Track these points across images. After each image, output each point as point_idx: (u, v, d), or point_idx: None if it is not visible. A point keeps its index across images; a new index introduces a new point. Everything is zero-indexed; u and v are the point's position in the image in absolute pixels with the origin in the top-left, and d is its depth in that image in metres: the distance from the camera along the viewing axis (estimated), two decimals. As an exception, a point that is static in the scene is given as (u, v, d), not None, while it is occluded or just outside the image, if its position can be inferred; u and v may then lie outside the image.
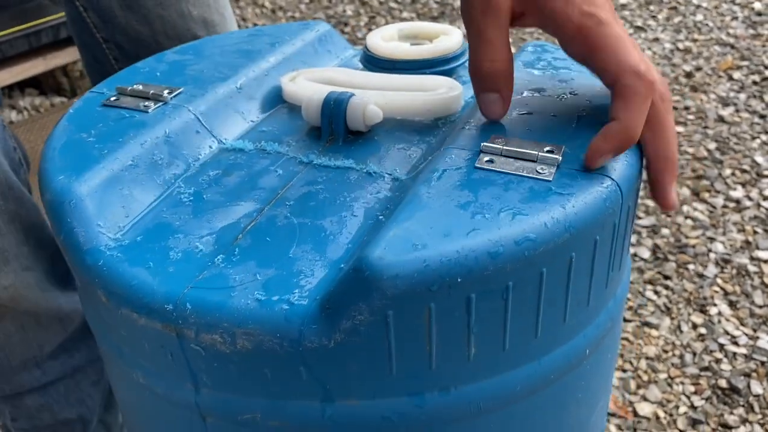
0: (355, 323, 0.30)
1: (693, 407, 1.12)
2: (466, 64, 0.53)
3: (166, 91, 0.46)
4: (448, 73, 0.51)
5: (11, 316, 0.62)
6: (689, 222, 1.46)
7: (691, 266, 1.40)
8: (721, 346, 1.22)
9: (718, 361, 1.19)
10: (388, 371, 0.32)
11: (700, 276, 1.38)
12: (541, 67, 0.47)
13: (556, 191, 0.34)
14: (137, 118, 0.43)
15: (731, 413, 1.11)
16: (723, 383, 1.15)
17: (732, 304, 1.31)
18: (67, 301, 0.66)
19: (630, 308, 1.32)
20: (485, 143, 0.37)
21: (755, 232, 1.42)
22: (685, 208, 1.50)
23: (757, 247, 1.40)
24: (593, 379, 0.40)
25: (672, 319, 1.29)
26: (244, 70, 0.49)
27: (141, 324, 0.34)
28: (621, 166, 0.36)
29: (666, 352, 1.22)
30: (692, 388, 1.15)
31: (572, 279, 0.34)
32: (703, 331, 1.26)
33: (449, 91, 0.45)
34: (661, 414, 1.11)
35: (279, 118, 0.47)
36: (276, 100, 0.49)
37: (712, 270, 1.38)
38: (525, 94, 0.43)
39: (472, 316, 0.31)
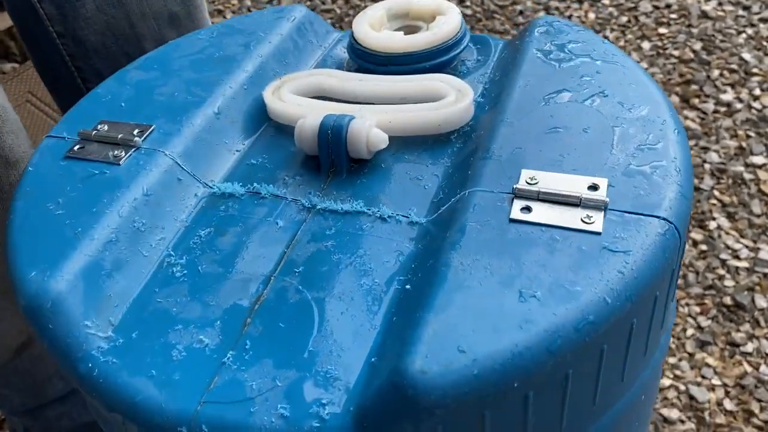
0: (400, 441, 0.27)
1: (700, 328, 1.13)
2: (469, 49, 0.47)
3: (135, 131, 0.39)
4: (449, 63, 0.45)
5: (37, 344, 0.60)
6: (683, 134, 1.42)
7: (688, 181, 1.37)
8: (723, 262, 1.22)
9: (721, 278, 1.19)
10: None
11: (697, 189, 1.36)
12: (558, 57, 0.41)
13: (609, 248, 0.29)
14: (108, 174, 0.37)
15: (738, 330, 1.11)
16: (728, 300, 1.15)
17: (730, 216, 1.30)
18: None
19: (629, 231, 1.30)
20: (517, 185, 0.32)
21: (748, 137, 1.39)
22: (678, 119, 1.44)
23: (751, 152, 1.37)
24: (647, 408, 0.37)
25: (672, 238, 1.27)
26: (220, 87, 0.43)
27: (151, 441, 0.30)
28: (674, 196, 0.32)
29: (669, 273, 1.21)
30: (698, 309, 1.15)
31: (632, 342, 0.30)
32: (704, 247, 1.25)
33: (460, 100, 0.39)
34: (671, 339, 1.11)
35: (267, 144, 0.42)
36: (260, 117, 0.43)
37: (708, 182, 1.36)
38: (549, 99, 0.38)
39: (529, 412, 0.28)
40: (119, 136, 0.39)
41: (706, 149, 1.40)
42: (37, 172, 0.38)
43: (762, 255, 1.22)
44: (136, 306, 0.33)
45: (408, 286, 0.31)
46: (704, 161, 1.38)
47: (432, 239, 0.33)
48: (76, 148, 0.39)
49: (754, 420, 1.00)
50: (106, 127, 0.40)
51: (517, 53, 0.43)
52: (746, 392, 1.03)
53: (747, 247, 1.24)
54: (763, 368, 1.06)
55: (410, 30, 0.48)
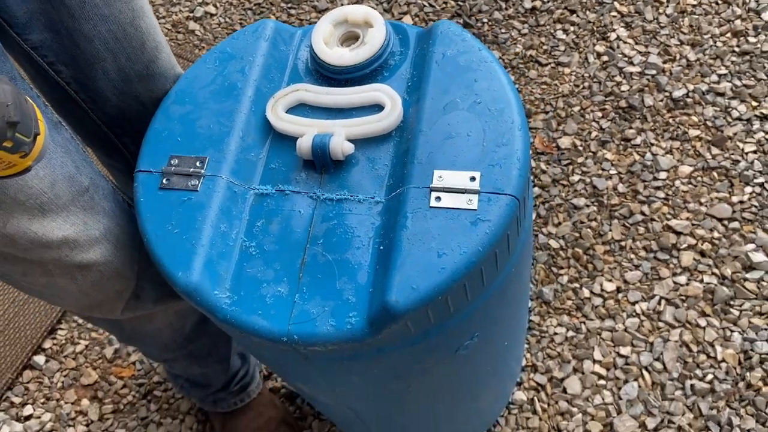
0: (390, 329, 0.57)
1: (601, 130, 1.43)
2: (391, 51, 0.69)
3: (197, 164, 0.64)
4: (383, 63, 0.68)
5: (161, 313, 0.86)
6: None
7: (591, -5, 1.56)
8: (620, 70, 1.48)
9: (618, 84, 1.47)
10: (409, 332, 0.60)
11: (600, 4, 1.56)
12: (451, 67, 0.65)
13: (480, 218, 0.57)
14: (193, 199, 0.63)
15: (630, 128, 1.42)
16: (623, 103, 1.44)
17: (628, 26, 1.53)
18: None
19: (545, 52, 1.54)
20: (432, 184, 0.59)
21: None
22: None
23: (647, -39, 1.55)
24: (522, 278, 0.68)
25: (580, 53, 1.52)
26: (237, 114, 0.66)
27: (267, 344, 0.60)
28: (515, 177, 0.59)
29: (577, 86, 1.48)
30: (600, 114, 1.44)
31: (498, 258, 0.59)
32: (605, 58, 1.50)
33: (393, 109, 0.64)
34: (578, 142, 1.42)
35: (277, 152, 0.66)
36: (267, 130, 0.67)
37: (609, -3, 1.55)
38: (446, 108, 0.63)
39: (449, 301, 0.58)
40: (190, 170, 0.64)
41: (608, -38, 1.56)
42: (146, 201, 0.64)
43: (651, 59, 1.48)
44: (237, 276, 0.61)
45: (381, 247, 0.59)
46: (606, -25, 1.56)
47: (389, 215, 0.60)
48: (164, 181, 0.64)
49: (639, 197, 1.34)
50: (177, 161, 0.65)
51: (424, 62, 0.66)
52: (634, 176, 1.36)
53: (640, 53, 1.50)
54: (647, 155, 1.38)
55: (350, 34, 0.70)
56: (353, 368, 0.66)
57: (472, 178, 0.59)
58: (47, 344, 1.35)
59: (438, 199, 0.59)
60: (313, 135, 0.63)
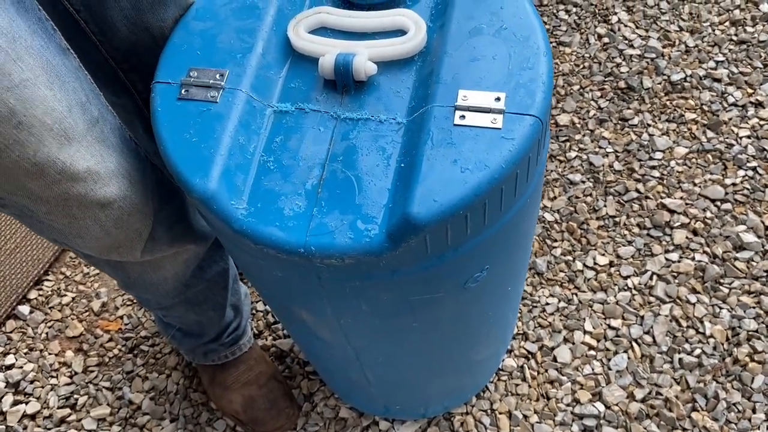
0: (409, 242, 0.57)
1: (600, 109, 1.44)
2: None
3: (217, 76, 0.63)
4: (405, -7, 0.68)
5: (169, 261, 0.85)
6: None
7: (595, -20, 1.58)
8: (621, 52, 1.50)
9: (618, 65, 1.48)
10: (425, 252, 0.60)
11: (603, -13, 1.57)
12: (476, -4, 0.65)
13: (504, 137, 0.57)
14: (213, 110, 0.62)
15: (628, 108, 1.43)
16: (622, 84, 1.46)
17: (629, 10, 1.55)
18: (202, 225, 0.87)
19: (547, 31, 1.55)
20: (456, 102, 0.59)
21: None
22: None
23: (651, -53, 1.57)
24: (531, 218, 0.68)
25: (581, 34, 1.54)
26: (258, 32, 0.66)
27: (282, 257, 0.59)
28: (540, 100, 0.59)
29: (578, 66, 1.50)
30: (599, 93, 1.46)
31: (518, 180, 0.59)
32: (606, 40, 1.52)
33: (417, 33, 0.64)
34: (576, 120, 1.43)
35: (298, 71, 0.66)
36: (287, 50, 0.67)
37: (612, -20, 1.56)
38: (472, 33, 0.63)
39: (468, 223, 0.58)
40: (210, 82, 0.63)
41: (612, -53, 1.58)
42: (164, 111, 0.63)
43: (651, 43, 1.50)
44: (254, 189, 0.60)
45: (402, 165, 0.59)
46: (610, -41, 1.58)
47: (412, 135, 0.60)
48: (183, 92, 0.63)
49: (635, 175, 1.35)
50: (196, 74, 0.64)
51: (450, -10, 0.66)
52: (630, 155, 1.38)
53: (640, 36, 1.51)
54: (644, 135, 1.40)
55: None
56: (364, 292, 0.65)
57: (497, 99, 0.59)
58: (33, 295, 1.32)
59: (462, 117, 0.59)
60: (336, 53, 0.63)
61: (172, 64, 0.65)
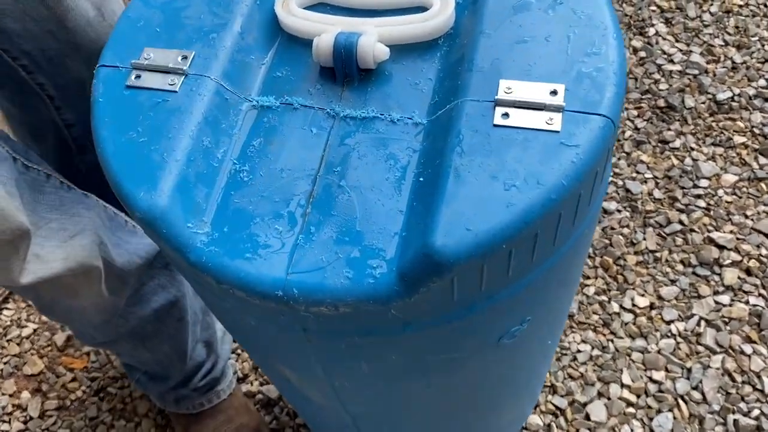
0: (430, 286, 0.40)
1: (636, 129, 1.28)
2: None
3: (179, 59, 0.48)
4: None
5: (83, 287, 0.69)
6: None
7: (630, -12, 1.44)
8: (659, 67, 1.34)
9: (656, 82, 1.33)
10: (450, 299, 0.44)
11: (639, -5, 1.43)
12: (522, -37, 0.49)
13: (565, 143, 0.41)
14: (170, 102, 0.46)
15: (669, 129, 1.27)
16: (661, 103, 1.30)
17: (668, 22, 1.40)
18: (120, 255, 0.71)
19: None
20: (497, 96, 0.43)
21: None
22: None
23: (690, -44, 1.43)
24: (583, 254, 0.52)
25: (615, 47, 1.37)
26: (236, 5, 0.51)
27: (255, 302, 0.43)
28: (611, 95, 0.43)
29: (611, 81, 1.33)
30: (635, 112, 1.30)
31: (580, 203, 0.43)
32: (643, 54, 1.36)
33: (444, 9, 0.48)
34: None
35: (286, 57, 0.51)
36: (274, 30, 0.52)
37: (649, -12, 1.42)
38: (517, 9, 0.47)
39: (511, 260, 0.42)
40: (169, 65, 0.48)
41: (648, -45, 1.44)
42: (107, 102, 0.47)
43: (693, 58, 1.34)
44: (221, 207, 0.45)
45: (421, 179, 0.43)
46: (646, -33, 1.44)
47: (434, 139, 0.44)
48: (133, 78, 0.48)
49: (677, 204, 1.19)
50: (152, 55, 0.49)
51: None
52: (672, 182, 1.21)
53: (681, 50, 1.36)
54: (687, 160, 1.24)
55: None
56: (365, 350, 0.49)
57: (554, 92, 0.43)
58: (-12, 325, 1.16)
59: (505, 115, 0.43)
60: (337, 32, 0.47)
61: (122, 43, 0.50)
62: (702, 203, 1.17)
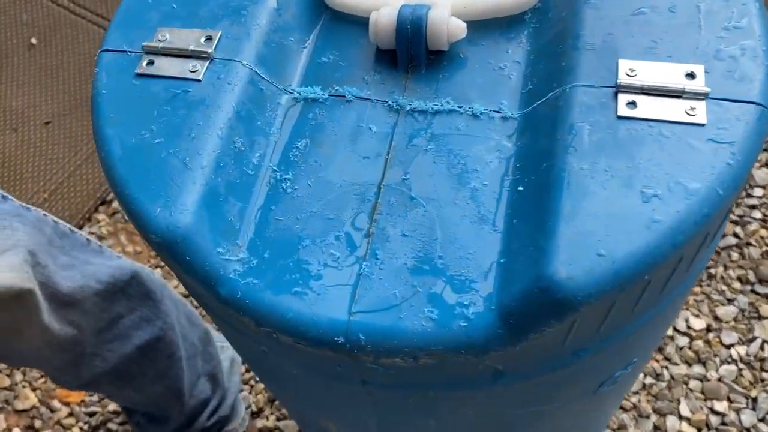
0: (543, 331, 0.30)
1: None
2: None
3: (203, 40, 0.38)
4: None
5: (26, 326, 0.57)
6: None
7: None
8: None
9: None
10: (560, 345, 0.33)
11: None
12: None
13: (715, 140, 0.31)
14: (192, 93, 0.37)
15: None
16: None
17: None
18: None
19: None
20: (619, 79, 0.33)
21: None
22: None
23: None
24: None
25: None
26: (272, -24, 0.41)
27: (306, 349, 0.33)
28: (764, 78, 0.33)
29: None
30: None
31: (726, 218, 0.33)
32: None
33: (531, -24, 0.39)
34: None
35: (333, 38, 0.41)
36: (317, 6, 0.42)
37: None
38: (625, -26, 0.38)
39: (646, 293, 0.32)
40: (190, 48, 0.38)
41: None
42: (112, 94, 0.37)
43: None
44: (259, 227, 0.35)
45: (520, 188, 0.33)
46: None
47: (534, 136, 0.35)
48: (144, 64, 0.38)
49: (731, 215, 1.08)
50: (168, 36, 0.39)
51: None
52: None
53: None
54: (738, 168, 1.12)
55: None
56: (438, 406, 0.39)
57: (690, 75, 0.33)
58: (-24, 356, 1.05)
59: (632, 104, 0.33)
60: (399, 5, 0.38)
61: (131, 22, 0.40)
62: (758, 214, 1.07)
